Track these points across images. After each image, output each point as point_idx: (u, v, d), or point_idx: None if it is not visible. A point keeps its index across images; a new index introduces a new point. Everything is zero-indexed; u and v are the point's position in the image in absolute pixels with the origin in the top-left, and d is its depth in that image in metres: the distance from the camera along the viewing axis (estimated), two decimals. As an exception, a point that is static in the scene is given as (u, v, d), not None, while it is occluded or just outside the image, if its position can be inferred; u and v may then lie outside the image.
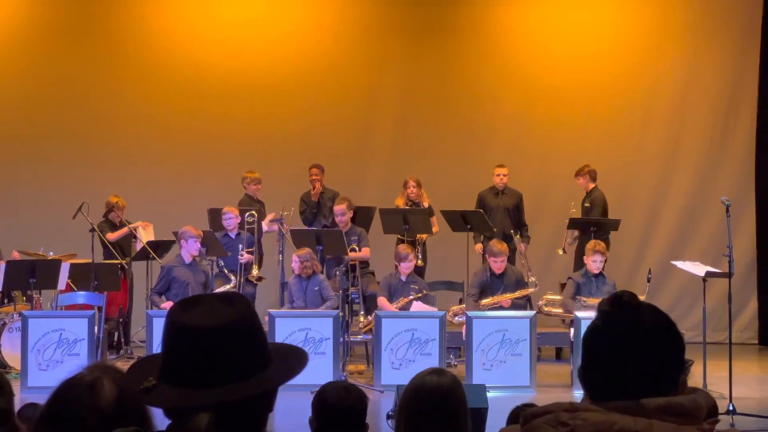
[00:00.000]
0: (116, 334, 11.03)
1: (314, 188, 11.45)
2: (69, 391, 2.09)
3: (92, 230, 10.48)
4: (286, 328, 9.02)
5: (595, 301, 9.07)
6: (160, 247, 10.84)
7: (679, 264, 9.65)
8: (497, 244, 9.88)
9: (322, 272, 10.06)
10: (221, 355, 1.91)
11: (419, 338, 9.01)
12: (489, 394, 5.90)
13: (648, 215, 12.89)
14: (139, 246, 10.98)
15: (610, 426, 1.85)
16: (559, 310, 10.09)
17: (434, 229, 11.11)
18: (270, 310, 9.32)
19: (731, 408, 7.45)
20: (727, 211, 8.12)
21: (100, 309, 9.60)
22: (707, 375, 8.50)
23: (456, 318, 9.83)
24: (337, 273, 9.87)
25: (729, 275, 8.20)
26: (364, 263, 10.59)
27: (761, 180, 12.77)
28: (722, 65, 12.91)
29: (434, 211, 11.17)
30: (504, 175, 11.49)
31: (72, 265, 10.16)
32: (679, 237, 12.76)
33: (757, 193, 12.78)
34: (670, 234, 12.82)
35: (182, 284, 9.84)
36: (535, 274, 10.24)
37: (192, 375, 1.91)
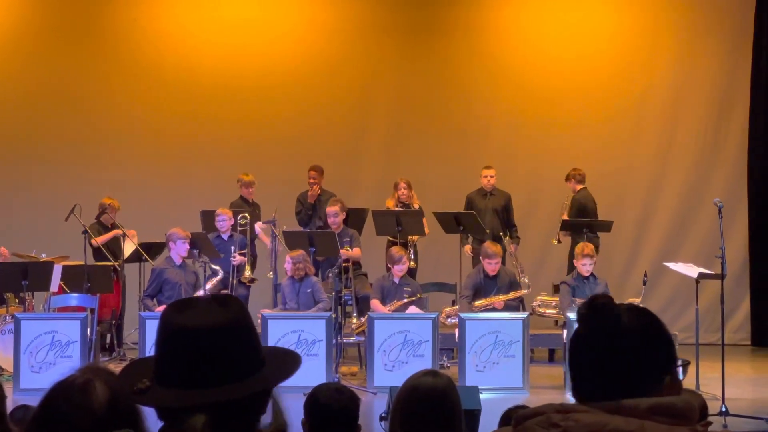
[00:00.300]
0: (108, 336, 11.01)
1: (311, 190, 11.47)
2: (61, 393, 2.09)
3: (84, 232, 10.47)
4: (279, 330, 9.01)
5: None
6: (152, 248, 10.83)
7: (672, 265, 9.68)
8: (492, 246, 9.89)
9: (316, 274, 10.06)
10: (215, 356, 1.92)
11: (412, 340, 9.01)
12: (482, 396, 5.90)
13: (641, 217, 12.92)
14: (126, 251, 10.95)
15: (603, 427, 1.86)
16: (554, 311, 10.10)
17: (426, 231, 11.12)
18: (263, 312, 9.31)
19: (724, 409, 7.46)
20: (720, 212, 8.14)
21: (92, 311, 9.59)
22: (700, 376, 8.52)
23: (449, 320, 9.84)
24: (330, 275, 9.88)
25: (721, 277, 8.21)
26: (357, 264, 10.59)
27: (753, 182, 12.80)
28: (714, 68, 12.95)
29: (425, 212, 11.17)
30: (491, 177, 11.49)
31: (65, 267, 10.15)
32: (671, 239, 12.79)
33: (750, 195, 12.81)
34: (663, 236, 12.85)
35: (174, 286, 9.89)
36: (528, 276, 10.24)
37: (186, 376, 1.91)
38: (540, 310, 10.18)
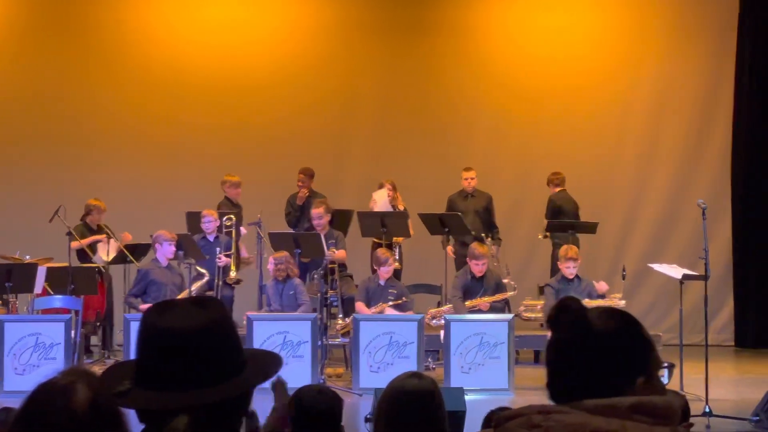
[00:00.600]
0: (93, 337, 10.97)
1: (300, 193, 11.47)
2: (43, 396, 2.08)
3: (69, 234, 10.44)
4: (264, 331, 9.01)
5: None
6: (137, 250, 10.80)
7: (656, 266, 9.70)
8: (479, 247, 9.90)
9: (302, 276, 10.06)
10: (196, 357, 1.92)
11: (397, 341, 9.01)
12: (467, 397, 5.92)
13: (625, 218, 12.96)
14: (100, 255, 10.90)
15: (583, 427, 1.86)
16: (539, 315, 10.12)
17: (411, 232, 11.12)
18: (248, 313, 9.30)
19: (707, 410, 7.48)
20: (704, 214, 8.17)
21: (77, 313, 9.56)
22: (684, 377, 8.54)
23: (434, 321, 9.84)
24: (315, 276, 9.86)
25: (705, 278, 8.23)
26: (342, 266, 10.59)
27: (737, 183, 12.85)
28: (698, 69, 13.00)
29: (409, 213, 11.17)
30: (472, 179, 11.50)
31: (49, 269, 10.10)
32: (656, 240, 12.83)
33: (733, 196, 12.86)
34: (648, 237, 12.89)
35: (159, 287, 9.90)
36: (514, 278, 10.25)
37: (167, 378, 1.92)
38: (526, 315, 10.19)
